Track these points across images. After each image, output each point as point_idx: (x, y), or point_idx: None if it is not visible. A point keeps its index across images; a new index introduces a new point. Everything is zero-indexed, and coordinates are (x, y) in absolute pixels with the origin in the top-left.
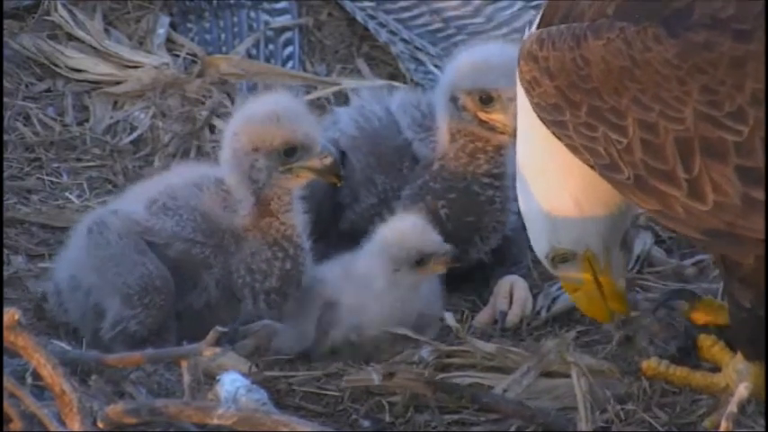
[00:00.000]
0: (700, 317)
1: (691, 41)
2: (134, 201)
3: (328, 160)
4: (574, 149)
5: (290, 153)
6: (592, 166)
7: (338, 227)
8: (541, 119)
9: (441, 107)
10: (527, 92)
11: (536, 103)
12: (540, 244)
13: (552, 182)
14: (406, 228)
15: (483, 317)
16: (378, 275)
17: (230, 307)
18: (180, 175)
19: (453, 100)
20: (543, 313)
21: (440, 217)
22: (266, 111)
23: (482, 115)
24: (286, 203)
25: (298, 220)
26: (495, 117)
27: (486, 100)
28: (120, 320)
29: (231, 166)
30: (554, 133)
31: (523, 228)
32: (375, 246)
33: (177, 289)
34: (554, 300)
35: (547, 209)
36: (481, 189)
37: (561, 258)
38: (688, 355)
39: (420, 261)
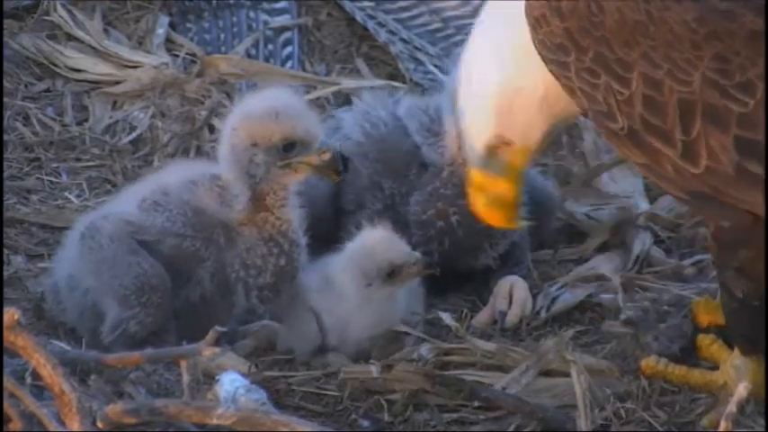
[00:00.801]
0: (703, 318)
1: (712, 7)
2: (126, 201)
3: (327, 156)
4: (570, 90)
5: (289, 148)
6: (585, 111)
7: (340, 234)
8: (542, 56)
9: (448, 110)
10: (533, 28)
11: (540, 40)
12: (484, 131)
13: (523, 76)
14: (373, 241)
15: (482, 317)
16: (351, 291)
17: (226, 301)
18: (174, 173)
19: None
20: (543, 313)
21: (451, 224)
22: (265, 106)
23: None
24: (282, 198)
25: (294, 216)
26: None
27: None
28: (120, 322)
29: (229, 162)
30: (552, 71)
31: (527, 231)
32: (345, 262)
33: (173, 284)
34: (554, 300)
35: (507, 99)
36: None
37: (494, 151)
38: (690, 355)
39: (391, 273)
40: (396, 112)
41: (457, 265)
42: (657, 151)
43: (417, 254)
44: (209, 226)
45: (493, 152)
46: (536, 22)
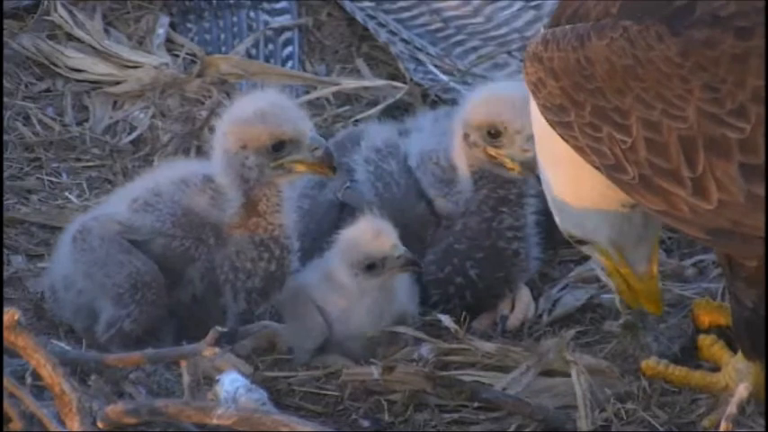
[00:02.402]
0: (704, 319)
1: (692, 39)
2: (118, 202)
3: (319, 152)
4: (580, 150)
5: (279, 148)
6: (598, 168)
7: None
8: (548, 120)
9: (458, 147)
10: (533, 94)
11: (542, 105)
12: (560, 225)
13: (560, 174)
14: (357, 232)
15: (483, 320)
16: (347, 281)
17: (218, 300)
18: (166, 173)
19: (465, 137)
20: (545, 317)
21: (470, 277)
22: (252, 108)
23: (491, 150)
24: (274, 204)
25: (286, 221)
26: (503, 152)
27: (495, 134)
28: (114, 321)
29: (222, 166)
30: (560, 135)
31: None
32: (336, 252)
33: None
34: (555, 303)
35: (558, 197)
36: (507, 243)
37: (578, 242)
38: (691, 356)
39: (371, 266)
40: (406, 162)
41: (478, 310)
42: (670, 193)
43: (402, 248)
44: (198, 226)
45: (579, 243)
46: (535, 88)
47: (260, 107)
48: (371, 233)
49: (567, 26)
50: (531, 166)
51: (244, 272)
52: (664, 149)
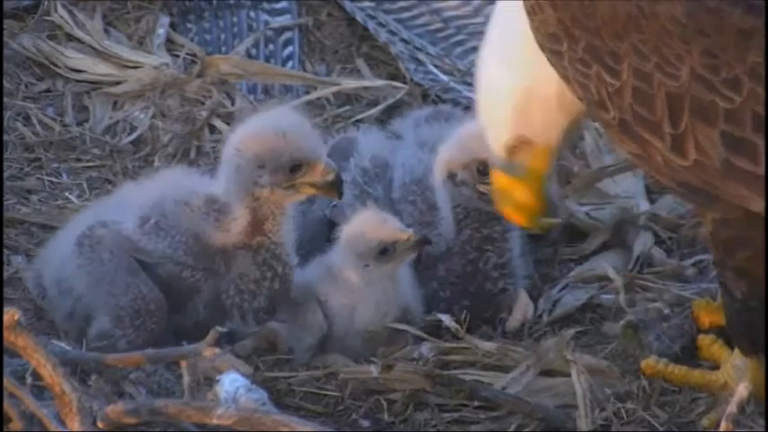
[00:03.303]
0: (704, 319)
1: (701, 4)
2: (124, 212)
3: (331, 177)
4: (566, 79)
5: (296, 169)
6: (580, 98)
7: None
8: (539, 44)
9: (440, 190)
10: (528, 15)
11: (535, 28)
12: (502, 131)
13: (539, 73)
14: (363, 221)
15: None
16: (353, 275)
17: (218, 322)
18: (170, 189)
19: (451, 177)
20: (545, 317)
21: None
22: (273, 126)
23: (481, 188)
24: (279, 223)
25: (287, 239)
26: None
27: (484, 170)
28: (109, 336)
29: (231, 184)
30: (549, 60)
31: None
32: (341, 245)
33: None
34: (555, 303)
35: (524, 97)
36: (493, 284)
37: (518, 147)
38: (691, 355)
39: (384, 251)
40: (391, 192)
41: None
42: (647, 143)
43: (410, 230)
44: (209, 255)
45: (513, 154)
46: (531, 10)
47: (281, 127)
48: (378, 220)
49: None
50: None
51: (249, 293)
52: (650, 101)
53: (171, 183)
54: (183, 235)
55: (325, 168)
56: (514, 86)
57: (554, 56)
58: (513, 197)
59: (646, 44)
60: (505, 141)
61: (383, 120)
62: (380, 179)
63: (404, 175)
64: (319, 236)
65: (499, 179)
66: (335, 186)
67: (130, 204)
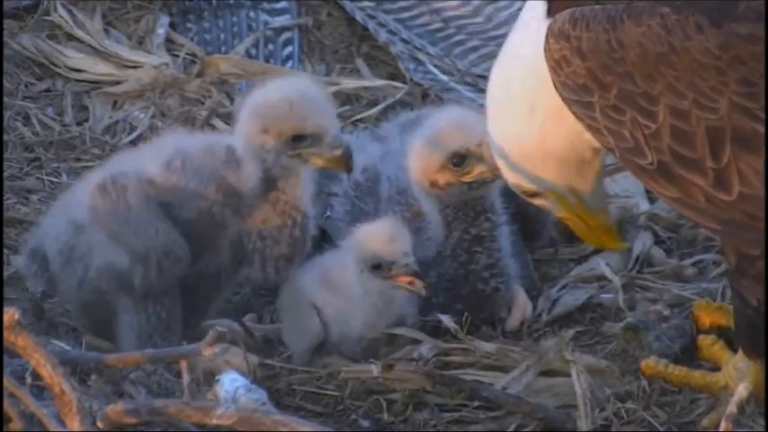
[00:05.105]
0: (704, 320)
1: (734, 32)
2: (147, 161)
3: (338, 152)
4: (595, 131)
5: (299, 140)
6: (611, 149)
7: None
8: (564, 98)
9: (423, 196)
10: (553, 70)
11: (562, 82)
12: (509, 179)
13: (515, 124)
14: (373, 230)
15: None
16: (351, 277)
17: (236, 274)
18: (190, 140)
19: (434, 185)
20: (545, 316)
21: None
22: (280, 95)
23: (466, 178)
24: (293, 183)
25: (305, 192)
26: (476, 170)
27: (459, 162)
28: (126, 273)
29: (243, 143)
30: (575, 114)
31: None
32: (348, 246)
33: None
34: (554, 302)
35: (509, 149)
36: (485, 285)
37: (530, 194)
38: (691, 356)
39: (377, 266)
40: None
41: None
42: (688, 182)
43: (411, 258)
44: (234, 194)
45: (530, 195)
46: (557, 65)
47: (288, 96)
48: (388, 236)
49: (597, 6)
50: None
51: (271, 239)
52: (689, 139)
53: (187, 137)
54: (210, 174)
55: (333, 141)
56: (499, 141)
57: (583, 107)
58: (576, 232)
59: (680, 81)
60: (521, 191)
61: (383, 120)
62: (372, 192)
63: (390, 189)
64: (313, 246)
65: (560, 213)
66: (343, 161)
67: (153, 154)
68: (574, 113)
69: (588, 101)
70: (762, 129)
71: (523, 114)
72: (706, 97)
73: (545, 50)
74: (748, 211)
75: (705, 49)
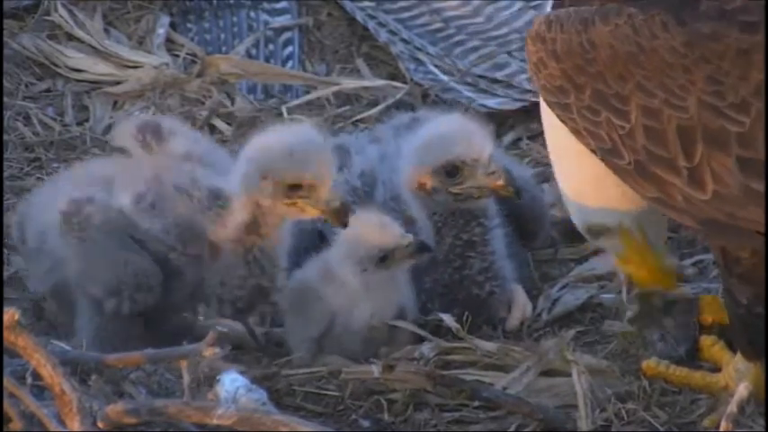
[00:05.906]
0: (707, 316)
1: (698, 31)
2: (120, 185)
3: (335, 204)
4: (577, 133)
5: (296, 188)
6: (593, 151)
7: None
8: (547, 101)
9: (413, 202)
10: (533, 73)
11: (542, 85)
12: (576, 219)
13: (574, 162)
14: (364, 228)
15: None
16: (351, 279)
17: (193, 304)
18: (168, 177)
19: (422, 188)
20: (544, 316)
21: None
22: (282, 142)
23: (454, 189)
24: (276, 228)
25: (281, 243)
26: (466, 183)
27: (452, 172)
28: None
29: (239, 184)
30: (558, 116)
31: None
32: (340, 250)
33: None
34: (554, 302)
35: (574, 188)
36: (480, 289)
37: (597, 233)
38: (691, 356)
39: (384, 258)
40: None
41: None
42: (665, 182)
43: (410, 236)
44: (198, 243)
45: (597, 234)
46: (535, 67)
47: (290, 144)
48: (377, 226)
49: (572, 8)
50: (502, 188)
51: (231, 286)
52: (662, 138)
53: (169, 168)
54: (176, 219)
55: (330, 194)
56: (563, 183)
57: (562, 109)
58: (636, 278)
59: (650, 80)
60: (582, 229)
61: (383, 120)
62: (369, 197)
63: (384, 194)
64: (310, 248)
65: (618, 261)
66: (340, 215)
67: (127, 183)
68: (557, 116)
69: (566, 102)
70: (730, 127)
71: None
72: (675, 96)
73: (526, 54)
74: (725, 210)
75: (672, 47)
